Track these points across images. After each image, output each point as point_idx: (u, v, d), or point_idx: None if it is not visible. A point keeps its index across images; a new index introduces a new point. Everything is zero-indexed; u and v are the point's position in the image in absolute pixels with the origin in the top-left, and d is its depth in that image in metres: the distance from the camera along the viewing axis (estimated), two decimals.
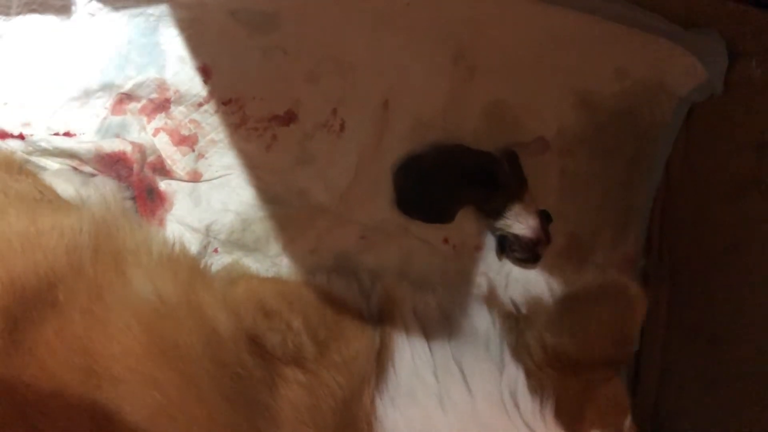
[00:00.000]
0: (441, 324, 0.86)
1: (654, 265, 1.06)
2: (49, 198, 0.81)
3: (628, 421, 0.77)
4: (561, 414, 0.72)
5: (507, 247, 0.97)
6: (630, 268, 1.05)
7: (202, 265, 0.90)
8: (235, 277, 0.88)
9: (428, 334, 0.83)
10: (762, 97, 0.95)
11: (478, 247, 1.01)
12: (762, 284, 0.93)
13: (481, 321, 0.86)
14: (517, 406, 0.74)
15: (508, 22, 0.95)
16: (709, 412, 0.98)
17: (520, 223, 0.95)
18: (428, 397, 0.76)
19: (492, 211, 0.96)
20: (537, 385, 0.74)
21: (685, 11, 0.94)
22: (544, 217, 0.97)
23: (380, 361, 0.81)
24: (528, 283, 1.01)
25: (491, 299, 0.98)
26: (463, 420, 0.74)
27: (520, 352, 0.77)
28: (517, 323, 0.83)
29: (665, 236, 1.07)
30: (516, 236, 0.96)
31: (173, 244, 0.83)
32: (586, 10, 0.95)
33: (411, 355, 0.80)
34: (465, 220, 1.00)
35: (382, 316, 0.88)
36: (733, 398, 0.95)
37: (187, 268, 0.81)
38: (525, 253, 0.96)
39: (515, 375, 0.75)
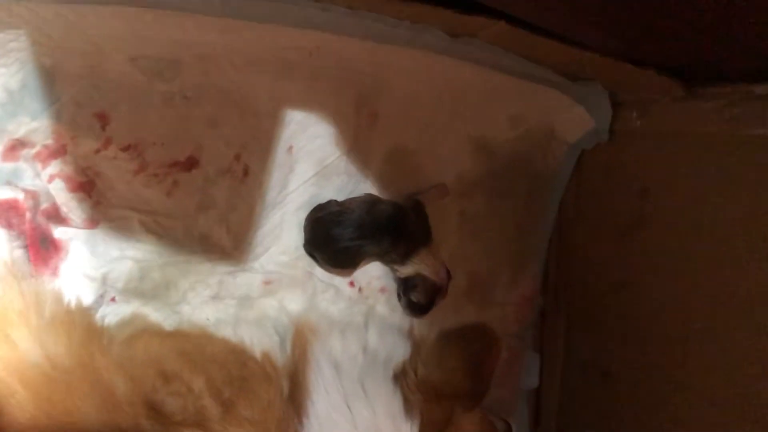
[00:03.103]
0: (348, 356, 0.91)
1: (550, 302, 1.12)
2: None
3: None
4: None
5: (408, 289, 0.99)
6: (529, 306, 1.10)
7: (98, 320, 0.87)
8: (134, 334, 0.86)
9: (337, 367, 0.89)
10: (643, 145, 1.03)
11: (384, 289, 1.03)
12: (648, 320, 0.99)
13: (382, 350, 0.93)
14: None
15: (408, 72, 0.99)
16: None
17: (428, 266, 0.98)
18: (345, 423, 0.83)
19: (395, 259, 0.98)
20: (409, 407, 0.84)
21: (571, 66, 1.00)
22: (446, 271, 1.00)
23: (298, 400, 0.84)
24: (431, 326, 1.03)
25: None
26: None
27: (399, 377, 0.88)
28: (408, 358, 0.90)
29: (561, 274, 1.13)
30: (423, 277, 0.98)
31: (68, 302, 0.80)
32: (481, 62, 1.00)
33: (325, 389, 0.85)
34: (371, 264, 1.02)
35: (295, 356, 0.90)
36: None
37: (83, 328, 0.78)
38: (424, 297, 0.99)
39: (396, 397, 0.85)
